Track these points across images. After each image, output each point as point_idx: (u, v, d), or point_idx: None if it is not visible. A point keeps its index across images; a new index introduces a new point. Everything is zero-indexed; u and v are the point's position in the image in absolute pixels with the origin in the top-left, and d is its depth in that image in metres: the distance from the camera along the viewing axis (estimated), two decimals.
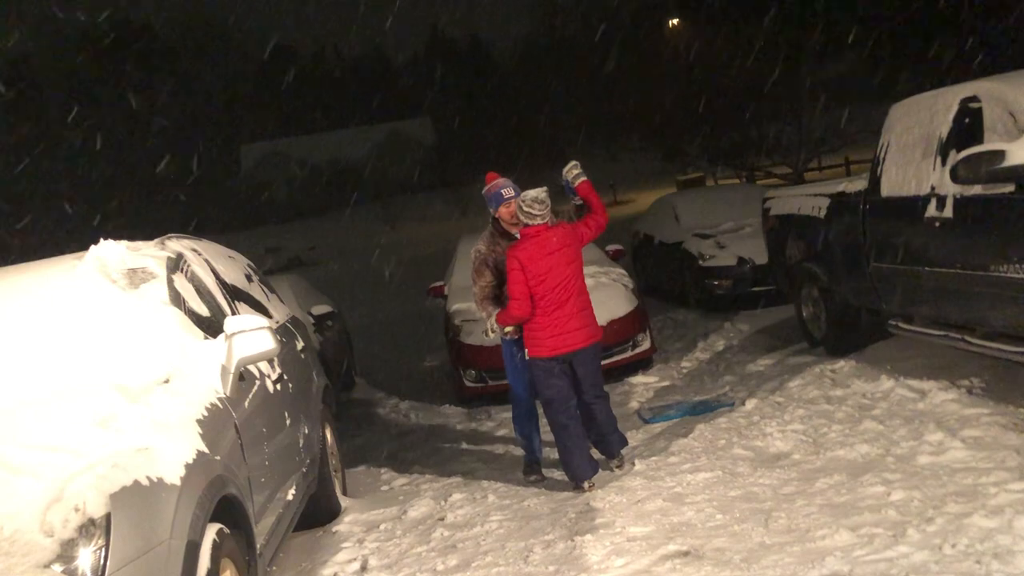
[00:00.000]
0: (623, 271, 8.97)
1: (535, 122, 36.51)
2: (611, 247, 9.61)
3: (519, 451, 6.20)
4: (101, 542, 2.71)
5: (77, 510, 2.72)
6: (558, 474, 5.65)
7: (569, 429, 5.38)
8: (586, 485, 5.31)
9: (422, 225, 42.72)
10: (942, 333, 5.83)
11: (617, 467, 5.51)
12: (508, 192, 5.65)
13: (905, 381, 5.99)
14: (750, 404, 6.36)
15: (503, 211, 5.65)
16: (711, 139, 23.78)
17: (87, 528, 2.71)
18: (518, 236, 5.52)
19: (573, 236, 5.43)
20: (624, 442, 5.67)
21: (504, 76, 49.38)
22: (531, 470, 5.80)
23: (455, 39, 68.50)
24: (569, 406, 5.40)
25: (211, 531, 3.20)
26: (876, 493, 4.37)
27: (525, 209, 5.34)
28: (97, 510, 2.74)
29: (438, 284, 9.68)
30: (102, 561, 2.70)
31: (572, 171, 5.70)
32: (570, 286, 5.32)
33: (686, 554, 4.11)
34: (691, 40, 23.53)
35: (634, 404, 7.21)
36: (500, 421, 7.57)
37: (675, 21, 26.36)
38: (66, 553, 2.68)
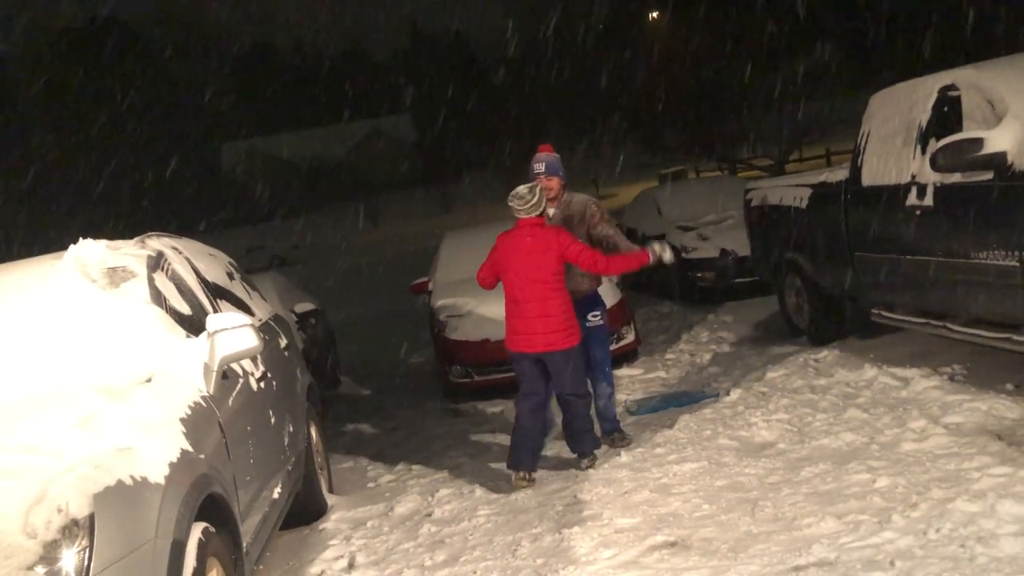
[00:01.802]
0: None
1: (518, 117, 36.49)
2: None
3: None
4: (85, 543, 2.68)
5: (60, 511, 2.69)
6: (544, 469, 5.65)
7: (521, 420, 5.49)
8: (515, 476, 5.43)
9: (405, 222, 42.65)
10: (924, 321, 5.87)
11: (588, 466, 5.48)
12: (538, 167, 5.76)
13: (888, 369, 6.03)
14: (735, 394, 6.38)
15: None
16: (692, 132, 23.85)
17: (70, 529, 2.68)
18: (552, 210, 5.76)
19: (553, 244, 5.34)
20: (597, 444, 5.64)
21: (486, 72, 49.35)
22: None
23: (435, 36, 68.34)
24: (532, 401, 5.48)
25: (196, 530, 3.18)
26: (861, 480, 4.39)
27: (508, 203, 5.46)
28: (80, 511, 2.71)
29: (421, 281, 9.64)
30: (86, 562, 2.67)
31: (659, 248, 5.52)
32: (529, 289, 5.33)
33: (673, 544, 4.12)
34: (672, 33, 23.58)
35: (619, 397, 7.19)
36: (486, 416, 7.56)
37: (655, 14, 26.39)
38: (49, 555, 2.65)
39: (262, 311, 5.80)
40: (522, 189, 5.45)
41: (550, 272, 5.34)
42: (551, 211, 5.78)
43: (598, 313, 5.88)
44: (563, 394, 5.51)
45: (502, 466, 5.91)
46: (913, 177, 5.69)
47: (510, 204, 5.45)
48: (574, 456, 5.62)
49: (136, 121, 49.16)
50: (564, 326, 5.37)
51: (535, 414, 5.52)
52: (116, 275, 4.06)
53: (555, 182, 5.76)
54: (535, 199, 5.41)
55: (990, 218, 4.98)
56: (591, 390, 5.78)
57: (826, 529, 3.94)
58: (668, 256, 5.53)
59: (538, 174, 5.71)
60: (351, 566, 4.72)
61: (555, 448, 6.11)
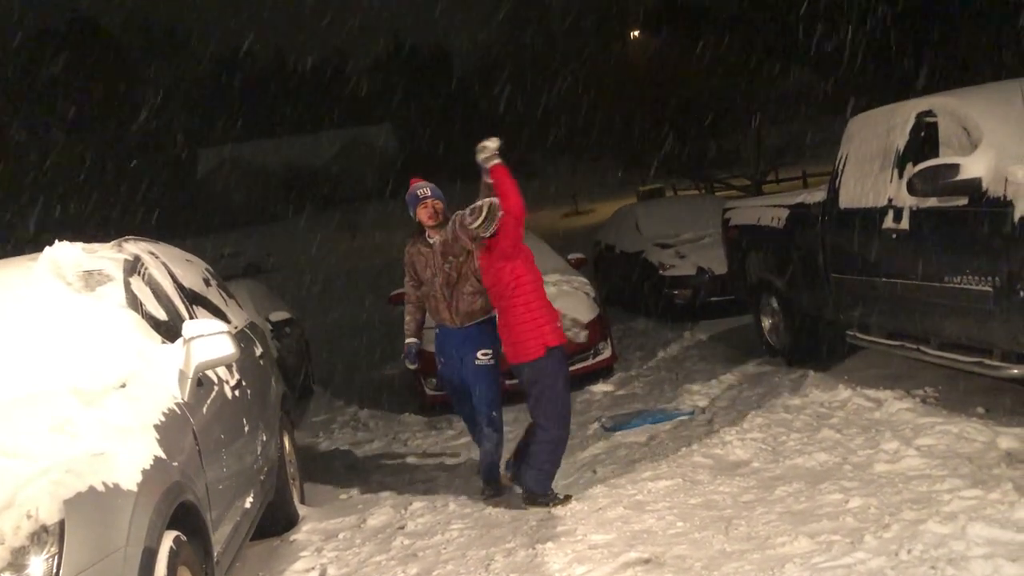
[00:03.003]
0: (585, 279, 8.99)
1: (498, 130, 36.69)
2: (573, 256, 9.64)
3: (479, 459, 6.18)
4: (54, 549, 2.64)
5: (29, 517, 2.65)
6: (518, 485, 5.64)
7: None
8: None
9: (383, 232, 42.49)
10: (898, 343, 5.93)
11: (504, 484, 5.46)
12: (424, 192, 5.54)
13: (862, 391, 6.08)
14: (710, 412, 6.42)
15: (420, 212, 5.56)
16: (671, 150, 24.05)
17: (39, 535, 2.64)
18: (433, 239, 5.53)
19: (497, 252, 5.08)
20: (541, 484, 5.15)
21: (467, 85, 49.50)
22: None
23: (417, 46, 68.45)
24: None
25: (168, 538, 3.14)
26: (834, 500, 4.42)
27: (466, 223, 5.13)
28: (50, 516, 2.67)
29: (399, 291, 9.59)
30: (55, 569, 2.63)
31: (483, 151, 5.07)
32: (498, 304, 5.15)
33: (647, 561, 4.12)
34: (652, 52, 23.79)
35: (595, 412, 7.22)
36: (461, 429, 7.51)
37: (636, 33, 26.64)
38: (17, 561, 2.61)
39: (238, 319, 5.76)
40: (478, 204, 5.07)
41: (505, 284, 5.04)
42: (432, 239, 5.55)
43: (489, 352, 5.47)
44: (534, 419, 5.20)
45: (476, 480, 5.90)
46: (890, 200, 5.76)
47: (467, 225, 5.06)
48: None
49: (112, 124, 48.79)
50: (522, 337, 5.03)
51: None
52: (92, 278, 4.02)
53: (440, 206, 5.55)
54: (496, 213, 5.02)
55: (964, 243, 5.05)
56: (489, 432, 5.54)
57: (799, 548, 3.95)
58: (491, 143, 5.10)
59: (424, 199, 5.50)
60: None
61: None
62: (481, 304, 5.47)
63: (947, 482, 4.38)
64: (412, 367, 5.88)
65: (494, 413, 5.52)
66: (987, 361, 5.05)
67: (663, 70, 22.50)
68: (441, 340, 5.65)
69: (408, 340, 5.79)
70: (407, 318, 5.82)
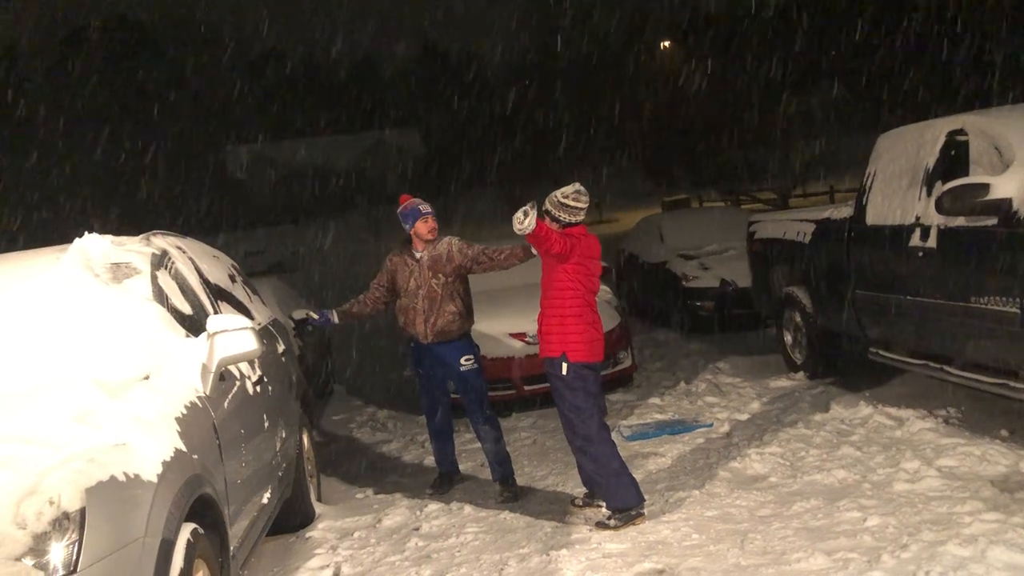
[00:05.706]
0: (607, 288, 8.97)
1: (524, 138, 36.70)
2: None
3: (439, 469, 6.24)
4: (75, 537, 2.68)
5: (52, 503, 2.68)
6: (535, 489, 5.63)
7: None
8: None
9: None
10: (921, 363, 5.88)
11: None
12: (426, 208, 5.74)
13: (883, 408, 6.04)
14: (729, 425, 6.39)
15: (420, 226, 5.70)
16: (698, 162, 24.02)
17: (61, 522, 2.68)
18: (420, 253, 5.68)
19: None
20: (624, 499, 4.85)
21: (494, 91, 49.63)
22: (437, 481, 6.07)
23: (447, 52, 68.63)
24: None
25: (186, 530, 3.17)
26: (852, 518, 4.39)
27: (572, 203, 4.88)
28: (72, 504, 2.70)
29: None
30: (75, 556, 2.66)
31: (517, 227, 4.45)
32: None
33: (661, 572, 4.11)
34: (681, 64, 23.77)
35: (614, 421, 7.19)
36: None
37: (666, 44, 26.63)
38: (38, 547, 2.64)
39: (261, 315, 5.80)
40: (580, 186, 4.92)
41: (547, 285, 4.98)
42: (419, 253, 5.70)
43: (471, 357, 5.79)
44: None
45: (492, 484, 5.91)
46: (917, 218, 5.72)
47: (575, 205, 4.87)
48: (564, 481, 5.59)
49: (144, 120, 49.27)
50: (547, 336, 4.94)
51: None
52: (119, 271, 4.07)
53: (436, 223, 5.75)
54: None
55: (992, 263, 5.00)
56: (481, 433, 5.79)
57: (815, 565, 3.93)
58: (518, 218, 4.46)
59: (426, 214, 5.68)
60: None
61: (544, 469, 6.11)
62: (459, 325, 5.74)
63: (968, 504, 4.34)
64: (314, 318, 6.18)
65: (487, 411, 5.82)
66: (1012, 384, 5.00)
67: (692, 81, 22.47)
68: (417, 355, 5.88)
69: (331, 310, 6.12)
70: (352, 301, 6.06)
